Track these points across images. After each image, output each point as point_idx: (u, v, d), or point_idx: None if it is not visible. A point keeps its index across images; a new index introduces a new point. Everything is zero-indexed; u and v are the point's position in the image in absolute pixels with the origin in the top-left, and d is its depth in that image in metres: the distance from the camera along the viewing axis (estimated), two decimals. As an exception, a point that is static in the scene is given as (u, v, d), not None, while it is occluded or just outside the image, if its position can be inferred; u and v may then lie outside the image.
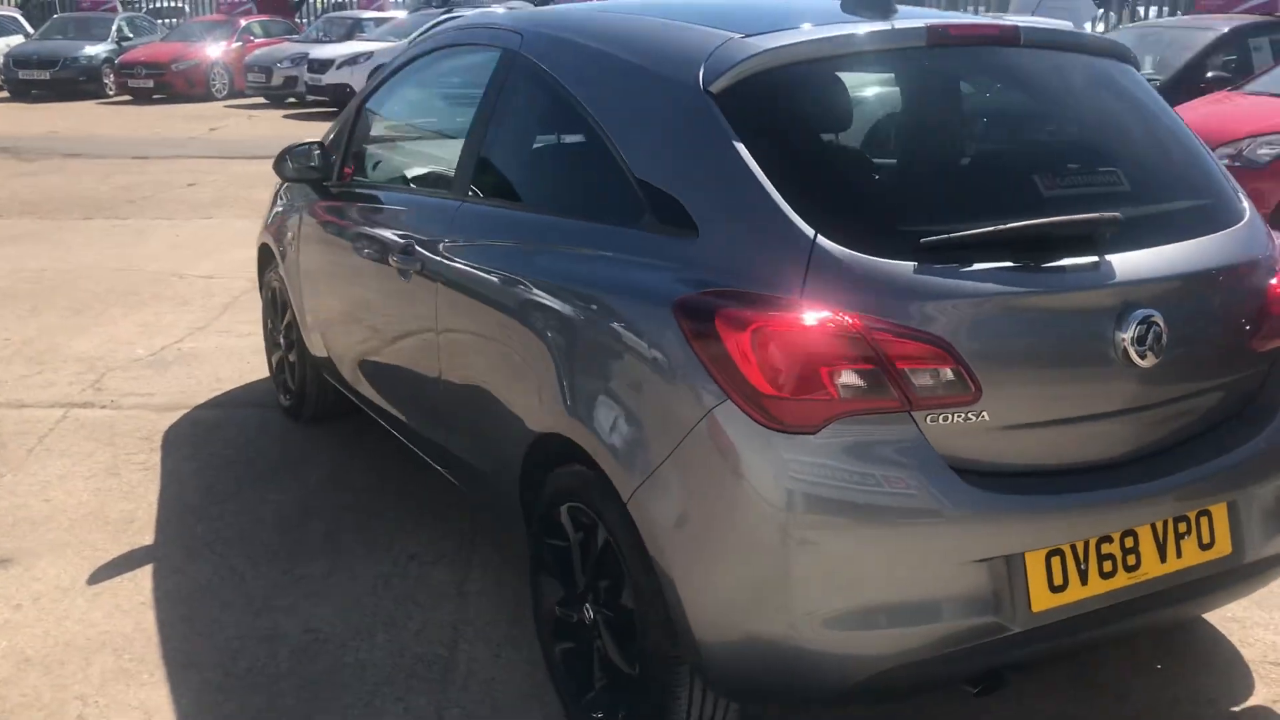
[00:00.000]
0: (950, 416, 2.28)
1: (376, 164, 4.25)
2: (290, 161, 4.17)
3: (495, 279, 3.00)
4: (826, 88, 2.67)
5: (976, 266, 2.34)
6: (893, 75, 2.83)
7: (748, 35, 2.65)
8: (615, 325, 2.55)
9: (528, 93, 3.19)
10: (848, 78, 2.75)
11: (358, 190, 4.09)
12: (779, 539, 2.24)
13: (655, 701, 2.51)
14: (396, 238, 3.55)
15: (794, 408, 2.23)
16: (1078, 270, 2.41)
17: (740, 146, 2.44)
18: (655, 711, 2.51)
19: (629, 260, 2.59)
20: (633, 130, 2.70)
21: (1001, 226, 2.37)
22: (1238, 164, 7.36)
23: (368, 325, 3.92)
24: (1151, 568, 2.47)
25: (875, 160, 2.68)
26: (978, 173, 2.71)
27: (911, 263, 2.31)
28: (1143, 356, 2.39)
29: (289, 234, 4.53)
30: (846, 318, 2.23)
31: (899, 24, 2.68)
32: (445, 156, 3.59)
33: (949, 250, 2.34)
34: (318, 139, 4.27)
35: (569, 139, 3.10)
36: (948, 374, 2.26)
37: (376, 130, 4.25)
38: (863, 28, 2.64)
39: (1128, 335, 2.38)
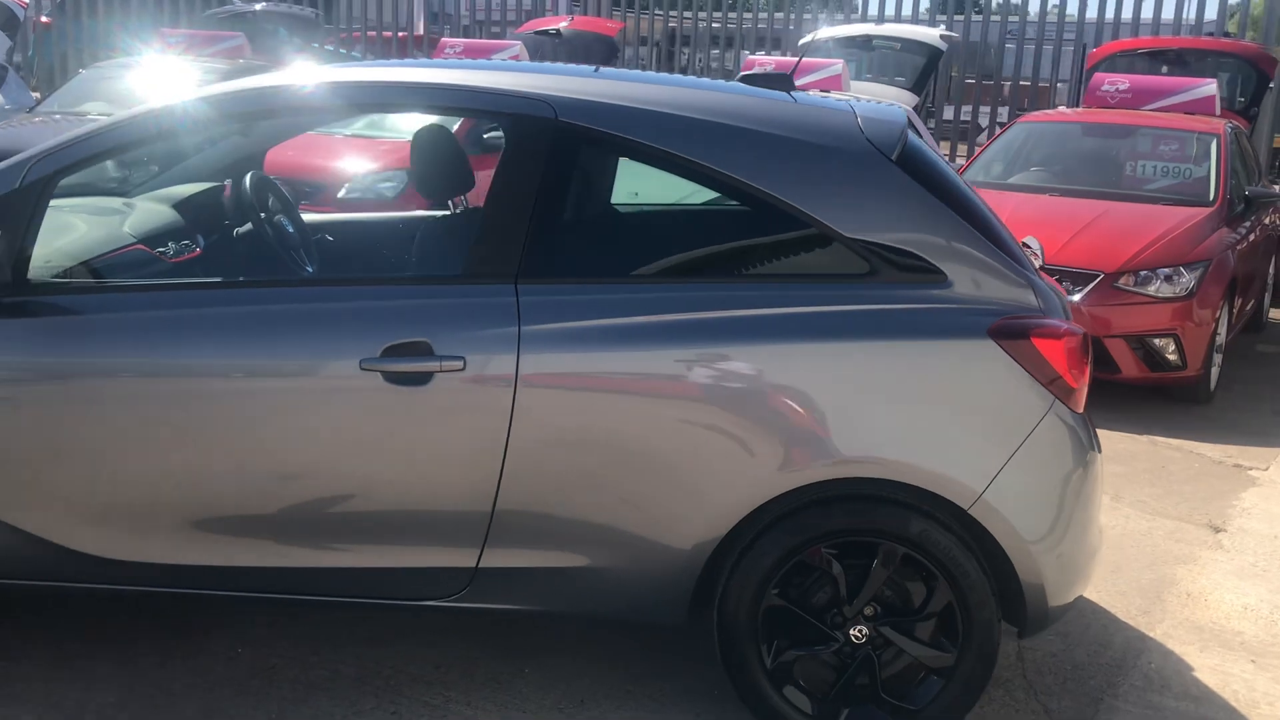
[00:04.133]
0: None
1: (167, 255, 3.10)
2: None
3: (671, 357, 2.88)
4: (928, 151, 3.28)
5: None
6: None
7: (858, 113, 3.14)
8: (905, 361, 2.89)
9: (601, 166, 3.01)
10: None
11: (135, 293, 3.04)
12: (1098, 503, 3.03)
13: (980, 661, 2.98)
14: (343, 343, 2.91)
15: (1082, 395, 3.01)
16: None
17: (944, 205, 3.01)
18: (983, 671, 2.99)
19: (876, 309, 2.92)
20: (825, 198, 2.94)
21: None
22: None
23: (221, 463, 2.99)
24: None
25: (980, 205, 3.32)
26: None
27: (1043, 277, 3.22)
28: None
29: None
30: (1078, 325, 3.06)
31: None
32: (397, 238, 3.00)
33: None
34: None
35: (712, 209, 3.05)
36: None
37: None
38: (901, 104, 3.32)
39: None
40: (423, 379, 2.90)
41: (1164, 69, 9.73)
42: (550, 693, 3.31)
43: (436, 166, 3.49)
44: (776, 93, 3.31)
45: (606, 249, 3.10)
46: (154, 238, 3.68)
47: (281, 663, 3.39)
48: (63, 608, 3.60)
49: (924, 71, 10.49)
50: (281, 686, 3.27)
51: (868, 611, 3.00)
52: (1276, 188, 9.11)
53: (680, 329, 2.91)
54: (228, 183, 4.06)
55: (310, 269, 3.80)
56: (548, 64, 3.80)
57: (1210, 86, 8.27)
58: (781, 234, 3.00)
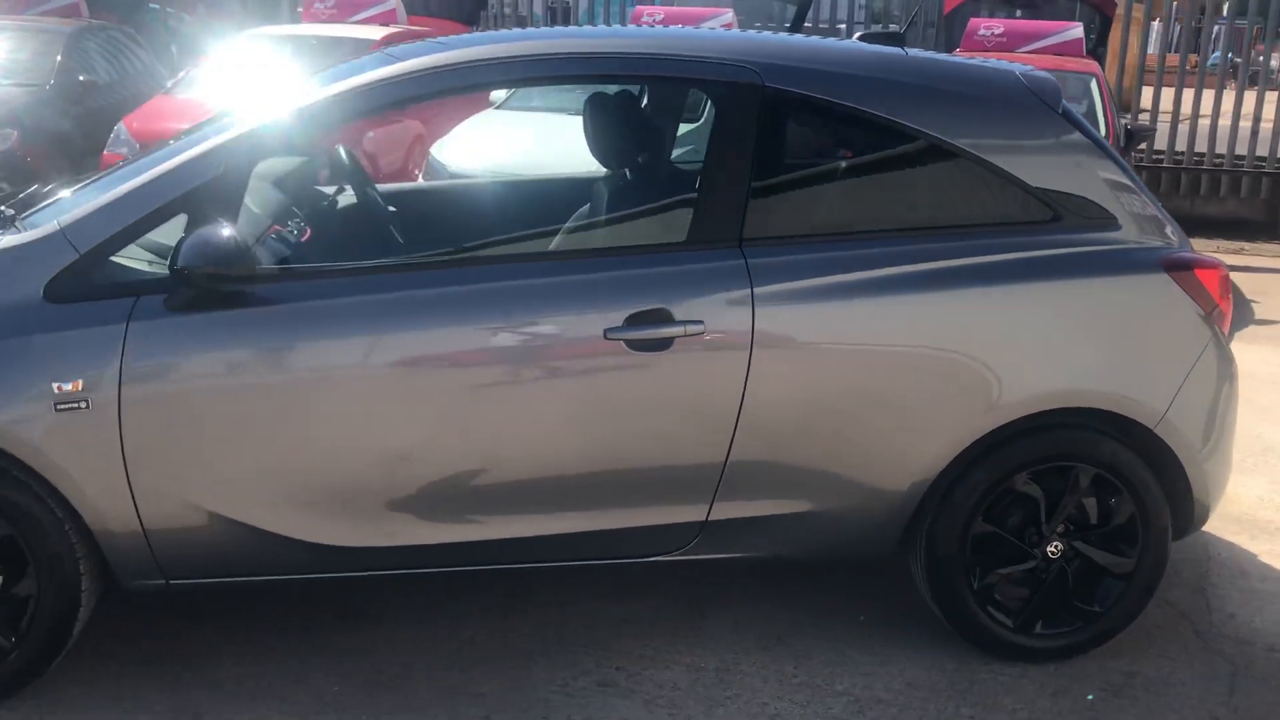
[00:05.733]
0: None
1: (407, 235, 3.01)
2: (207, 258, 2.76)
3: (890, 308, 3.07)
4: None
5: None
6: None
7: (1016, 71, 3.38)
8: (1097, 298, 3.18)
9: (816, 128, 3.14)
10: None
11: (379, 278, 2.99)
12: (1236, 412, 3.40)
13: (1155, 563, 3.32)
14: (587, 314, 2.97)
15: (1229, 320, 3.37)
16: None
17: (1104, 154, 3.30)
18: (1157, 573, 3.33)
19: (1067, 252, 3.19)
20: (1012, 153, 3.18)
21: None
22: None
23: (463, 441, 3.02)
24: None
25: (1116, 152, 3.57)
26: None
27: None
28: None
29: (105, 369, 2.82)
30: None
31: None
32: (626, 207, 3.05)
33: None
34: (225, 223, 2.81)
35: (913, 166, 3.19)
36: None
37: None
38: None
39: None
40: (663, 344, 2.98)
41: (1018, 13, 10.41)
42: (746, 634, 3.47)
43: (618, 132, 3.52)
44: (894, 49, 3.51)
45: (818, 208, 3.22)
46: (278, 217, 3.57)
47: (478, 635, 3.42)
48: (242, 604, 3.50)
49: (797, 18, 10.87)
50: (494, 656, 3.31)
51: (1060, 528, 3.29)
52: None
53: (895, 281, 3.09)
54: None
55: (400, 240, 3.77)
56: (729, 31, 3.86)
57: (1077, 30, 8.93)
58: (976, 187, 3.21)
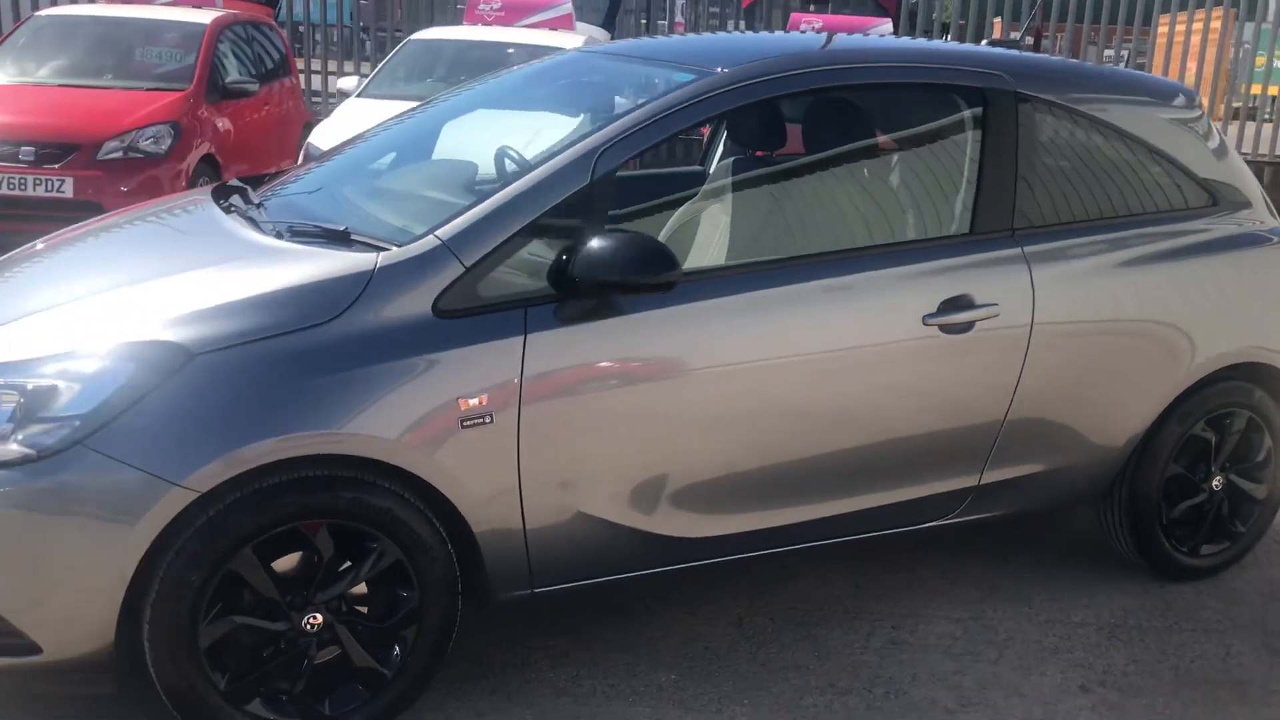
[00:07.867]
0: None
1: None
2: (632, 267, 2.82)
3: (1125, 284, 3.54)
4: None
5: None
6: None
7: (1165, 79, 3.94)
8: (1254, 266, 3.80)
9: (1054, 129, 3.50)
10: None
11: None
12: None
13: None
14: (908, 303, 3.25)
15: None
16: None
17: (1231, 148, 3.94)
18: None
19: (1228, 231, 3.79)
20: (1181, 146, 3.73)
21: None
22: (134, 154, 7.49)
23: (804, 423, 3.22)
24: None
25: None
26: None
27: None
28: None
29: (507, 382, 2.81)
30: None
31: None
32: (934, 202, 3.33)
33: None
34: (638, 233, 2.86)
35: (1128, 160, 3.60)
36: None
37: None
38: None
39: None
40: (966, 327, 3.30)
41: (811, 7, 11.21)
42: (964, 587, 3.84)
43: (866, 133, 3.72)
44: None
45: (1063, 198, 3.58)
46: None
47: (743, 616, 3.58)
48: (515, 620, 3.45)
49: (609, 11, 11.10)
50: (772, 633, 3.50)
51: (1222, 465, 3.90)
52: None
53: (1128, 262, 3.58)
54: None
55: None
56: (954, 44, 4.12)
57: (887, 25, 9.81)
58: (1166, 178, 3.73)
